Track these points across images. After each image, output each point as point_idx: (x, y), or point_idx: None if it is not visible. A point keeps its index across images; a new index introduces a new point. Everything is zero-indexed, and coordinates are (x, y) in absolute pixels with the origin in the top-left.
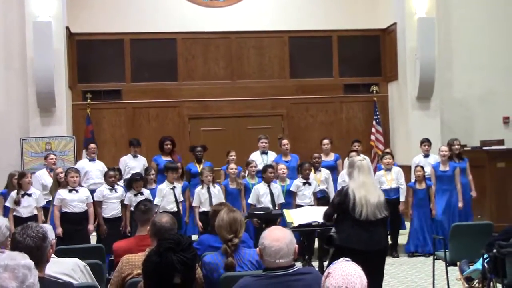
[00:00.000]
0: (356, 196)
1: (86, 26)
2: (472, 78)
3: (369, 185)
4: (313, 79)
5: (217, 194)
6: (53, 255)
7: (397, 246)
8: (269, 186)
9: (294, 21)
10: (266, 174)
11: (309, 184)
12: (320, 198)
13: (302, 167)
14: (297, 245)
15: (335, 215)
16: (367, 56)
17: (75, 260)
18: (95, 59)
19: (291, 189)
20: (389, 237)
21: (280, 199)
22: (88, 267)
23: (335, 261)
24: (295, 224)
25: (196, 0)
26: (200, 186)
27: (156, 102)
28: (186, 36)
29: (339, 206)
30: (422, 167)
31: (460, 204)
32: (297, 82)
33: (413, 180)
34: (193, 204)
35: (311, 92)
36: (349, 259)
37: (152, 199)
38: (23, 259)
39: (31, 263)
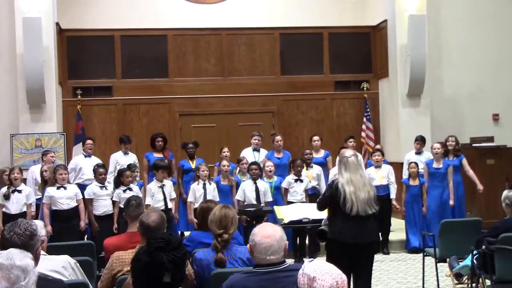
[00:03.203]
0: (346, 192)
1: (76, 22)
2: (462, 76)
3: (356, 181)
4: (304, 76)
5: (212, 191)
6: (43, 252)
7: (388, 242)
8: (255, 183)
9: (285, 18)
10: (250, 172)
11: (301, 181)
12: (312, 195)
13: (294, 164)
14: (287, 242)
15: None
16: (357, 53)
17: (66, 257)
18: (85, 55)
19: (283, 185)
20: (380, 233)
21: (268, 197)
22: (78, 264)
23: (305, 265)
24: (286, 221)
25: None
26: (196, 182)
27: (146, 99)
28: (176, 32)
29: (330, 199)
30: (416, 163)
31: (452, 202)
32: (288, 79)
33: (405, 176)
34: (188, 200)
35: (302, 89)
36: (312, 258)
37: (138, 196)
38: (21, 260)
39: (29, 264)
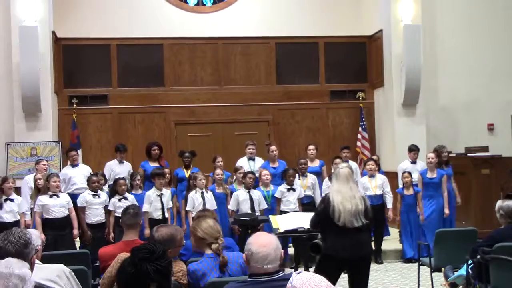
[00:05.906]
0: (334, 201)
1: (73, 30)
2: (457, 85)
3: (344, 192)
4: (300, 85)
5: (210, 199)
6: (38, 261)
7: (381, 252)
8: (249, 192)
9: (281, 28)
10: (245, 180)
11: (294, 190)
12: (307, 204)
13: (286, 174)
14: (282, 250)
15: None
16: (353, 62)
17: (61, 266)
18: (81, 64)
19: (276, 195)
20: (372, 243)
21: (262, 205)
22: (73, 273)
23: (293, 277)
24: (281, 230)
25: (183, 5)
26: (194, 191)
27: (142, 108)
28: (173, 41)
29: (323, 213)
30: (409, 172)
31: (447, 211)
32: (284, 88)
33: (400, 186)
34: (187, 209)
35: (298, 98)
36: (300, 271)
37: (137, 205)
38: (19, 268)
39: (27, 273)
